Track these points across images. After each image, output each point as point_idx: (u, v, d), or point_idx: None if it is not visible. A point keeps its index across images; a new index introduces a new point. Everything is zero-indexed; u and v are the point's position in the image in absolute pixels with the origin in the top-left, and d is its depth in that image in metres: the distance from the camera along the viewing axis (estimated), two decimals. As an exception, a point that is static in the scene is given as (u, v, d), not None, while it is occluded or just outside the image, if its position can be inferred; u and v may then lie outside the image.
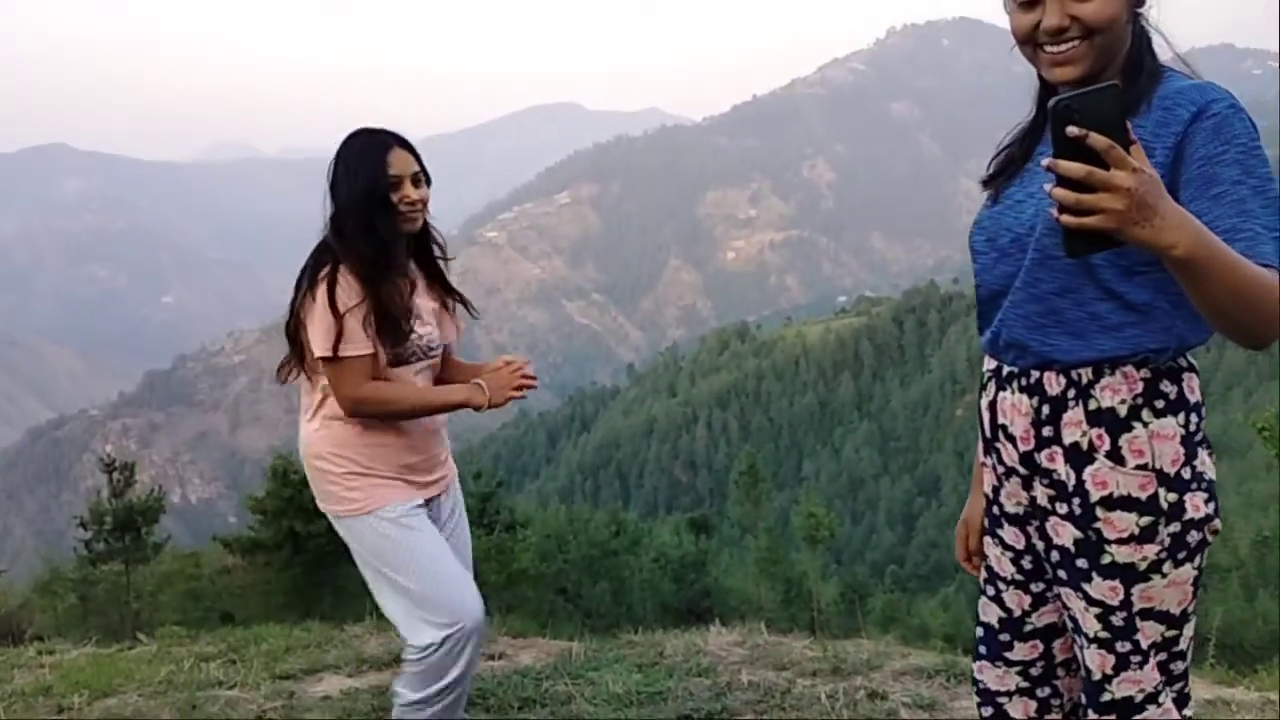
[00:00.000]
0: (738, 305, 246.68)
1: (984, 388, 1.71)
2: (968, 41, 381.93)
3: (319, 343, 2.34)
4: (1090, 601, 1.59)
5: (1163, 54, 1.59)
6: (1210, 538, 1.58)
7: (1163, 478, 1.53)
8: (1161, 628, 1.59)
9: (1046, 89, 1.64)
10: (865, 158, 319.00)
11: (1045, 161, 1.25)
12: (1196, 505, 1.55)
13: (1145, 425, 1.53)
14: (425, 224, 2.53)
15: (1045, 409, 1.58)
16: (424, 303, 2.51)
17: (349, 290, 2.35)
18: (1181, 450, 1.54)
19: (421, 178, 2.46)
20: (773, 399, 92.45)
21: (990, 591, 1.78)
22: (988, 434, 1.70)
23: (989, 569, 1.78)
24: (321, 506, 2.52)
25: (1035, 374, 1.59)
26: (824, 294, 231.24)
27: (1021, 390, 1.61)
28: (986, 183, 1.72)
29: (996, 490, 1.72)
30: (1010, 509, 1.71)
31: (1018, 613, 1.75)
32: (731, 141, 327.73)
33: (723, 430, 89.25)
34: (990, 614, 1.78)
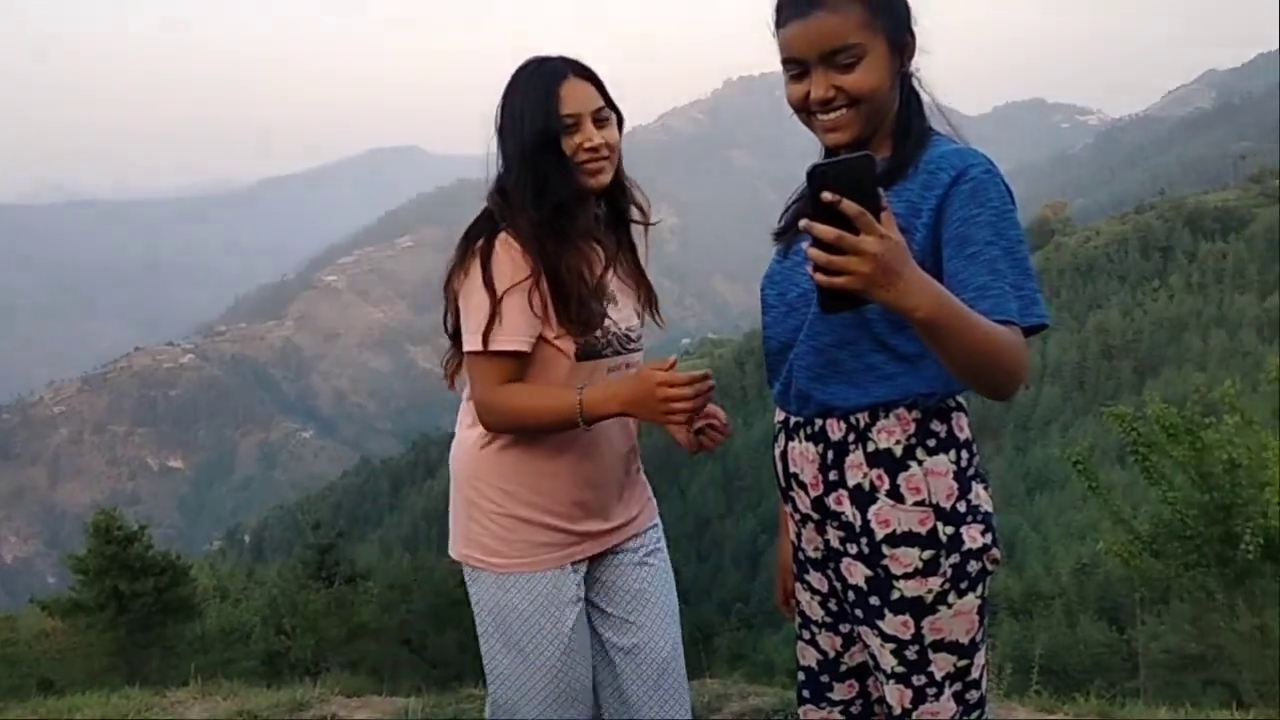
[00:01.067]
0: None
1: (775, 439, 1.80)
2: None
3: (469, 331, 1.87)
4: (885, 638, 1.65)
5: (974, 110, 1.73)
6: (990, 566, 1.66)
7: (940, 512, 1.61)
8: (953, 658, 1.64)
9: (827, 151, 1.73)
10: (707, 204, 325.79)
11: (802, 223, 1.32)
12: (973, 536, 1.63)
13: (920, 463, 1.62)
14: (618, 177, 2.01)
15: (830, 454, 1.67)
16: (620, 283, 2.02)
17: (512, 264, 1.85)
18: (955, 485, 1.63)
19: (609, 115, 1.96)
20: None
21: (805, 635, 1.85)
22: (782, 483, 1.80)
23: (802, 613, 1.85)
24: (454, 550, 2.03)
25: (819, 422, 1.68)
26: (669, 336, 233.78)
27: (808, 438, 1.70)
28: (777, 236, 1.80)
29: (799, 536, 1.80)
30: (811, 554, 1.78)
31: (832, 654, 1.81)
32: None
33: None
34: (808, 657, 1.84)
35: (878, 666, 1.69)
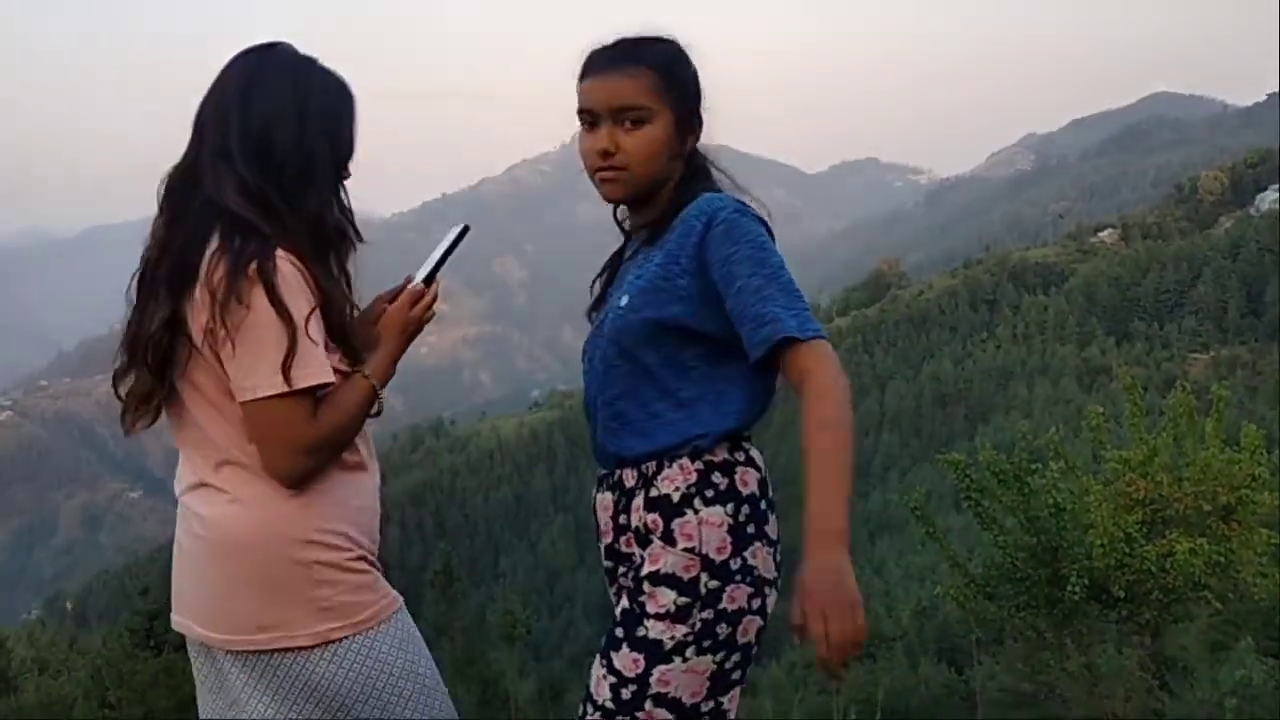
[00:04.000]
0: (432, 401, 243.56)
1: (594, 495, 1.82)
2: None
3: (264, 370, 1.60)
4: (610, 670, 1.63)
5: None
6: (743, 637, 1.62)
7: (707, 563, 1.61)
8: (670, 717, 1.60)
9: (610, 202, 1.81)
10: (554, 255, 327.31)
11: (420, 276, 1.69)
12: (735, 598, 1.61)
13: (696, 512, 1.63)
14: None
15: (621, 500, 1.71)
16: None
17: (301, 288, 1.63)
18: (729, 539, 1.62)
19: None
20: (468, 495, 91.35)
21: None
22: (595, 534, 1.82)
23: None
24: (285, 641, 1.66)
25: (617, 473, 1.73)
26: (518, 388, 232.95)
27: (608, 489, 1.75)
28: (590, 312, 1.90)
29: (608, 577, 1.83)
30: (613, 602, 1.78)
31: None
32: (420, 237, 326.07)
33: (417, 528, 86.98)
34: None
35: (589, 698, 1.66)
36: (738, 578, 1.62)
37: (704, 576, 1.61)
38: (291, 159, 1.70)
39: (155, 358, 1.69)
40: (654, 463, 1.67)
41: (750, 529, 1.65)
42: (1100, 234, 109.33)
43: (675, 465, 1.66)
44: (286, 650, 1.67)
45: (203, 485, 1.73)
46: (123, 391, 1.77)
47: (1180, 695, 8.56)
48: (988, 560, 9.05)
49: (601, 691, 1.63)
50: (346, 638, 1.67)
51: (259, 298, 1.59)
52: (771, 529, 1.68)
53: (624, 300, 1.70)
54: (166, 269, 1.68)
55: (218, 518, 1.69)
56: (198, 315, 1.63)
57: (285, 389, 1.60)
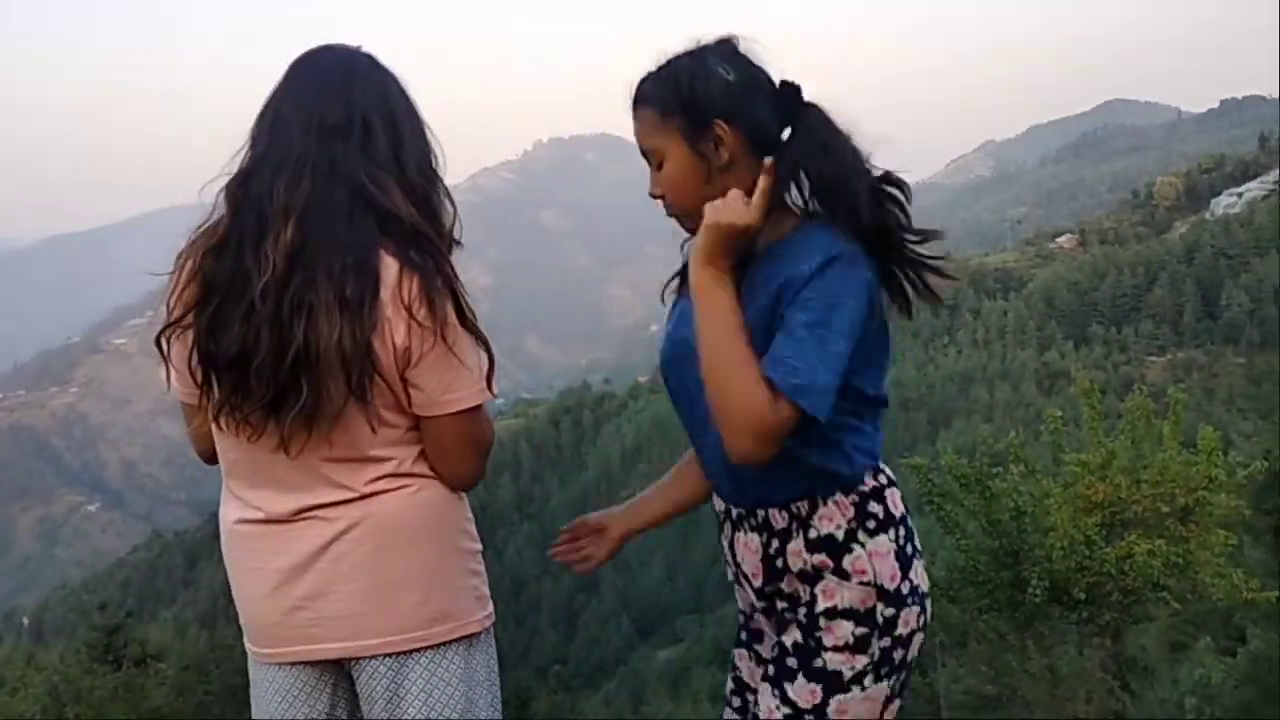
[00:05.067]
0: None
1: (721, 527, 1.80)
2: (611, 155, 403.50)
3: (469, 381, 1.64)
4: (784, 701, 1.64)
5: None
6: (911, 656, 1.66)
7: (882, 593, 1.63)
8: None
9: None
10: (518, 263, 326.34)
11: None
12: (908, 621, 1.64)
13: (863, 545, 1.63)
14: None
15: (773, 543, 1.68)
16: None
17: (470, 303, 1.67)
18: (897, 565, 1.64)
19: None
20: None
21: (736, 703, 1.83)
22: (731, 573, 1.80)
23: (738, 679, 1.84)
24: (448, 631, 1.70)
25: (761, 513, 1.69)
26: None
27: (752, 529, 1.71)
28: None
29: (751, 609, 1.79)
30: (755, 626, 1.79)
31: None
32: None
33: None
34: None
35: None
36: (909, 601, 1.65)
37: (880, 606, 1.63)
38: (426, 163, 1.71)
39: (358, 374, 1.58)
40: (805, 503, 1.65)
41: (909, 549, 1.67)
42: (1058, 239, 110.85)
43: (831, 504, 1.65)
44: (458, 640, 1.71)
45: (349, 489, 1.68)
46: (287, 415, 1.60)
47: (1141, 695, 8.68)
48: (950, 564, 9.12)
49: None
50: (489, 629, 1.77)
51: (454, 313, 1.61)
52: (917, 540, 1.71)
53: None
54: (336, 283, 1.57)
55: (392, 511, 1.68)
56: (386, 332, 1.59)
57: (487, 399, 1.67)
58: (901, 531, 1.67)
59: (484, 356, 1.67)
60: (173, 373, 1.69)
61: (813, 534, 1.65)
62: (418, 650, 1.69)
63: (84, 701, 14.39)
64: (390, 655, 1.68)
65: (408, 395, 1.65)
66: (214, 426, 1.67)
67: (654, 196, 1.72)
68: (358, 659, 1.69)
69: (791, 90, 1.67)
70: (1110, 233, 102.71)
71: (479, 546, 1.79)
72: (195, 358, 1.62)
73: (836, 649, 1.62)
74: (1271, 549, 12.45)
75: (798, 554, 1.66)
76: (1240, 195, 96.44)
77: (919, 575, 1.68)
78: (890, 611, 1.63)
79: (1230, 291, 77.89)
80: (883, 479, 1.69)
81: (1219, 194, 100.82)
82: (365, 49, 1.74)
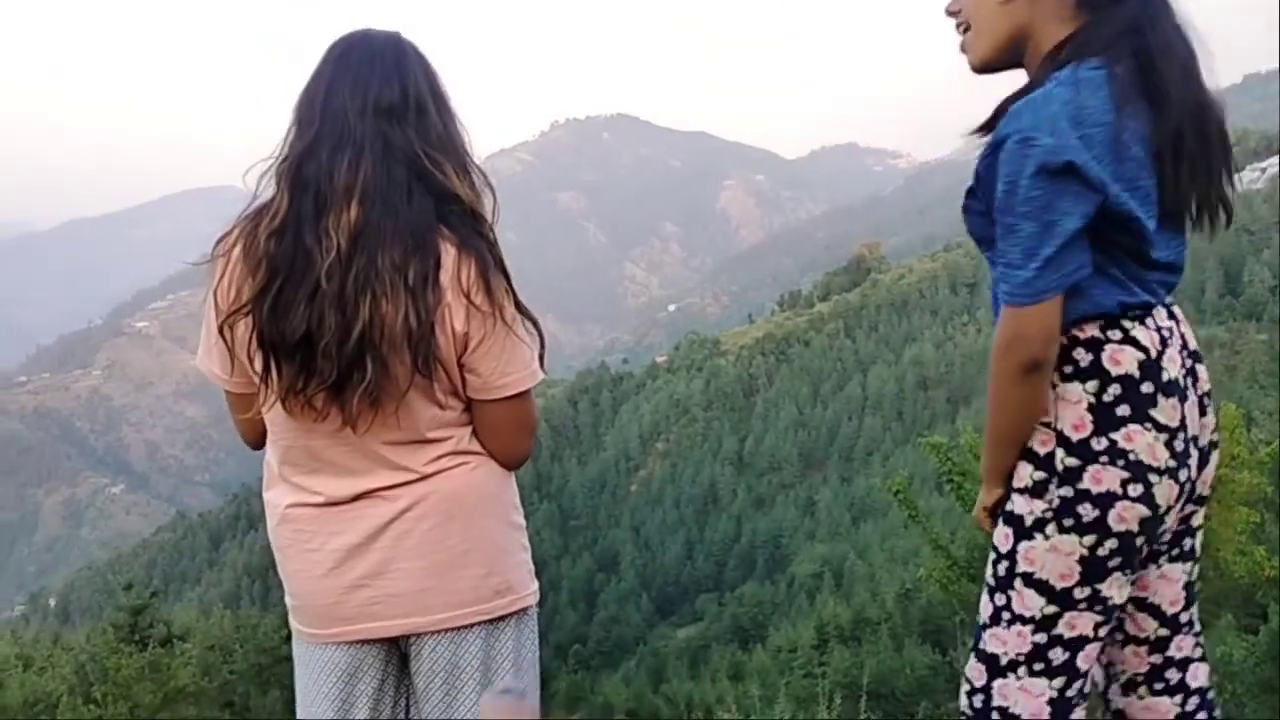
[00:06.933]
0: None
1: None
2: (627, 136, 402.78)
3: (523, 363, 1.69)
4: (991, 546, 1.65)
5: None
6: (1119, 524, 1.54)
7: (1063, 439, 1.56)
8: (1040, 600, 1.58)
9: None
10: (535, 244, 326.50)
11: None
12: (1100, 479, 1.53)
13: (1054, 387, 1.57)
14: None
15: None
16: None
17: None
18: (1089, 417, 1.55)
19: None
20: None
21: None
22: None
23: None
24: (513, 601, 1.75)
25: None
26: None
27: None
28: None
29: None
30: None
31: None
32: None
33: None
34: None
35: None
36: (1103, 459, 1.53)
37: (1060, 452, 1.56)
38: (466, 146, 1.73)
39: (423, 353, 1.59)
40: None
41: (1123, 409, 1.55)
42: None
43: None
44: (513, 615, 1.75)
45: (410, 470, 1.69)
46: (353, 395, 1.60)
47: (1161, 673, 8.60)
48: (970, 542, 9.10)
49: (988, 570, 1.64)
50: (536, 604, 1.80)
51: (509, 298, 1.65)
52: (1165, 413, 1.56)
53: (966, 197, 1.65)
54: (394, 262, 1.58)
55: (454, 487, 1.70)
56: (446, 317, 1.61)
57: (539, 380, 1.71)
58: (1112, 387, 1.55)
59: (536, 339, 1.70)
60: (224, 361, 1.69)
61: None
62: (476, 624, 1.71)
63: (110, 681, 14.59)
64: (450, 630, 1.70)
65: (463, 379, 1.67)
66: (275, 412, 1.67)
67: (950, 12, 1.69)
68: (418, 635, 1.71)
69: None
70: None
71: (525, 523, 1.82)
72: (255, 343, 1.61)
73: (1019, 490, 1.60)
74: (1294, 527, 12.37)
75: None
76: (1263, 171, 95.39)
77: (1133, 441, 1.54)
78: (1073, 461, 1.54)
79: (1253, 268, 77.21)
80: (1115, 334, 1.57)
81: (1241, 169, 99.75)
82: (400, 33, 1.74)
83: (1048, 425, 1.57)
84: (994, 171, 1.53)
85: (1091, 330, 1.57)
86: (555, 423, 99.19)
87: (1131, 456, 1.53)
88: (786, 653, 25.82)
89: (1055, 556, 1.56)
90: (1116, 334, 1.57)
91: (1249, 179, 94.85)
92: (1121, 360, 1.56)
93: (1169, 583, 1.70)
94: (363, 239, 1.58)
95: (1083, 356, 1.57)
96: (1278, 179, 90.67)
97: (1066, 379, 1.57)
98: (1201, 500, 1.69)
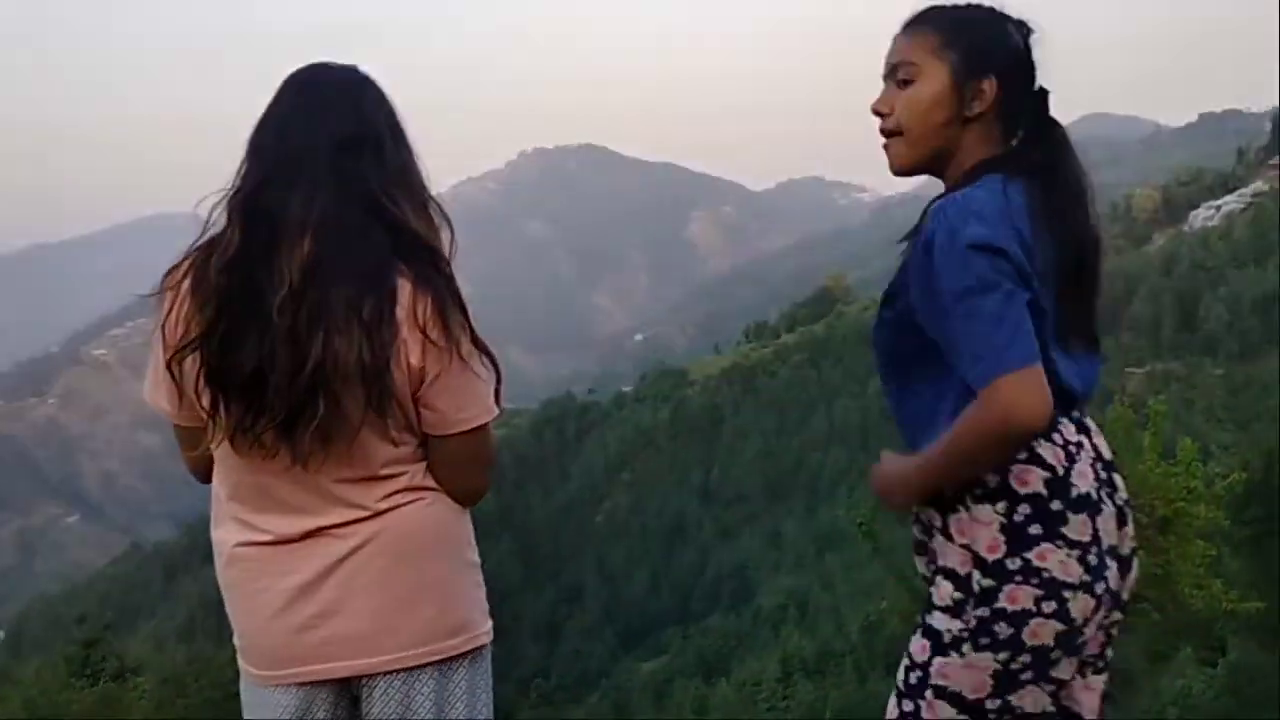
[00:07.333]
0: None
1: None
2: (594, 166, 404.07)
3: (480, 398, 1.68)
4: (907, 652, 1.69)
5: None
6: (1032, 639, 1.57)
7: (979, 560, 1.60)
8: (951, 710, 1.61)
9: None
10: (501, 274, 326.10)
11: None
12: (1014, 597, 1.56)
13: (967, 509, 1.62)
14: None
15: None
16: None
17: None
18: (1001, 538, 1.58)
19: None
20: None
21: None
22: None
23: None
24: (466, 640, 1.72)
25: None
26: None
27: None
28: None
29: None
30: None
31: None
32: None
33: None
34: None
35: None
36: (1018, 578, 1.57)
37: (976, 574, 1.60)
38: (423, 181, 1.71)
39: (377, 389, 1.56)
40: None
41: (1034, 528, 1.58)
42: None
43: None
44: (466, 654, 1.73)
45: (362, 508, 1.66)
46: (304, 432, 1.57)
47: (1122, 704, 8.68)
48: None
49: (900, 673, 1.69)
50: (489, 642, 1.78)
51: (465, 332, 1.63)
52: (1076, 530, 1.59)
53: (881, 308, 1.72)
54: (349, 297, 1.55)
55: (408, 524, 1.67)
56: (402, 353, 1.59)
57: (495, 415, 1.70)
58: (1021, 507, 1.59)
59: (493, 373, 1.69)
60: (172, 396, 1.67)
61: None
62: (429, 665, 1.69)
63: (61, 716, 14.27)
64: (402, 670, 1.67)
65: (418, 414, 1.65)
66: (224, 448, 1.63)
67: (876, 112, 1.71)
68: (370, 676, 1.68)
69: (1044, 95, 1.72)
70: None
71: (479, 560, 1.79)
72: (203, 379, 1.58)
73: (940, 608, 1.64)
74: (1250, 560, 12.53)
75: (925, 506, 1.70)
76: (1218, 208, 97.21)
77: (1046, 559, 1.57)
78: (989, 582, 1.58)
79: (1208, 304, 78.40)
80: (1021, 454, 1.60)
81: (1196, 207, 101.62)
82: (361, 68, 1.73)
83: (965, 547, 1.61)
84: (927, 271, 1.57)
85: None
86: (520, 453, 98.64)
87: (1045, 574, 1.57)
88: (751, 686, 25.73)
89: (970, 672, 1.60)
90: (1022, 454, 1.60)
91: (1204, 216, 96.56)
92: (1029, 480, 1.59)
93: (1090, 693, 1.73)
94: (316, 274, 1.55)
95: (991, 478, 1.60)
96: (1232, 216, 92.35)
97: (977, 500, 1.61)
98: (1125, 608, 1.75)
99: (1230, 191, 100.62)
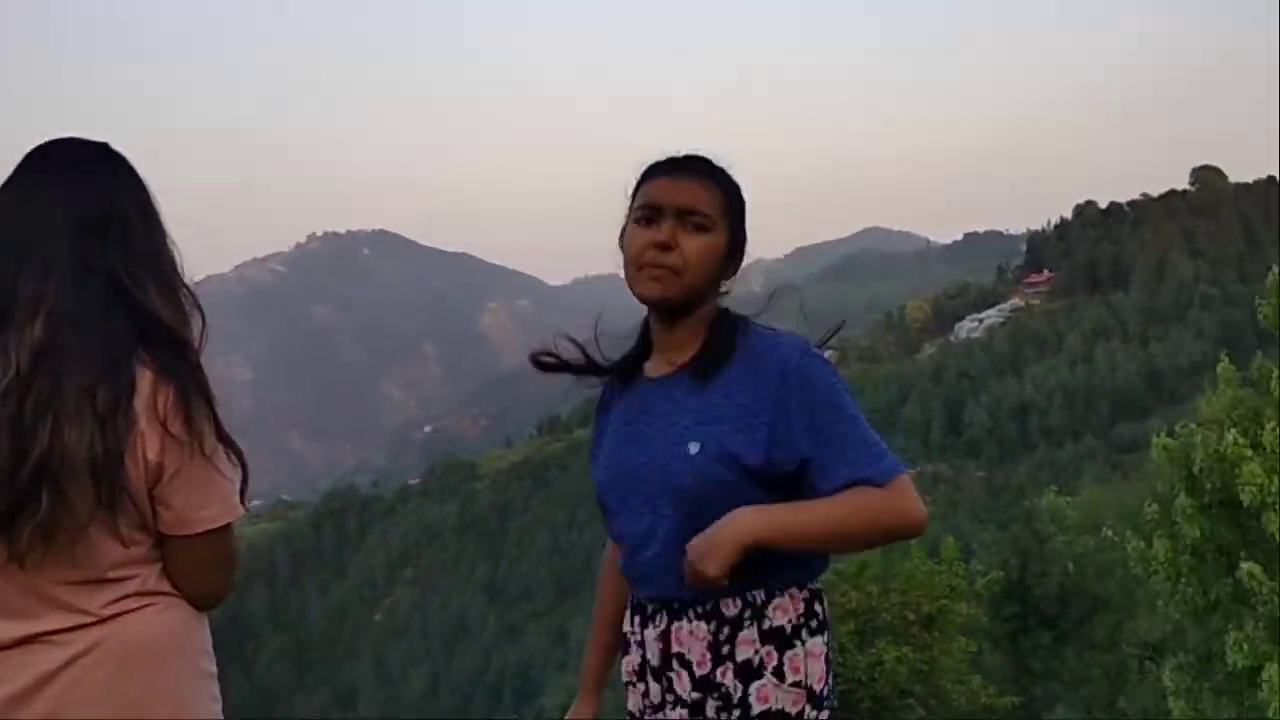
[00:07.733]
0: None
1: (649, 619, 1.73)
2: (388, 252, 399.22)
3: (223, 497, 1.56)
4: None
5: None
6: None
7: (811, 695, 1.64)
8: None
9: (650, 316, 1.84)
10: (284, 358, 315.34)
11: None
12: None
13: (804, 644, 1.65)
14: None
15: (724, 630, 1.65)
16: None
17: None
18: (824, 668, 1.66)
19: None
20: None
21: None
22: (655, 663, 1.72)
23: None
24: None
25: (711, 601, 1.66)
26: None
27: (699, 617, 1.67)
28: (596, 446, 1.90)
29: (652, 710, 1.74)
30: None
31: None
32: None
33: (117, 652, 79.67)
34: None
35: None
36: (826, 704, 1.66)
37: (808, 709, 1.63)
38: (176, 266, 1.62)
39: (109, 485, 1.45)
40: (761, 592, 1.65)
41: (830, 655, 1.69)
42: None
43: (786, 595, 1.66)
44: None
45: (85, 613, 1.52)
46: (23, 528, 1.44)
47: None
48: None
49: None
50: None
51: (210, 427, 1.52)
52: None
53: (694, 446, 1.66)
54: (82, 385, 1.45)
55: (137, 632, 1.54)
56: (138, 446, 1.48)
57: (239, 515, 1.58)
58: (830, 637, 1.71)
59: (239, 470, 1.57)
60: None
61: (766, 624, 1.65)
62: None
63: None
64: None
65: (155, 512, 1.53)
66: None
67: (657, 244, 1.70)
68: None
69: None
70: (867, 351, 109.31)
71: (215, 670, 1.66)
72: None
73: None
74: (1009, 656, 13.26)
75: (749, 644, 1.64)
76: (981, 321, 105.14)
77: (833, 680, 1.72)
78: (814, 714, 1.64)
79: (972, 410, 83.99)
80: (821, 582, 1.72)
81: (962, 318, 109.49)
82: (110, 144, 1.64)
83: (797, 685, 1.63)
84: (809, 387, 1.65)
85: (818, 582, 1.72)
86: (296, 547, 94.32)
87: (830, 697, 1.68)
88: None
89: None
90: (821, 582, 1.73)
91: (969, 328, 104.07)
92: (827, 607, 1.72)
93: None
94: (46, 359, 1.45)
95: (819, 609, 1.69)
96: (993, 329, 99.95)
97: (814, 633, 1.66)
98: None
99: (991, 306, 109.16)
